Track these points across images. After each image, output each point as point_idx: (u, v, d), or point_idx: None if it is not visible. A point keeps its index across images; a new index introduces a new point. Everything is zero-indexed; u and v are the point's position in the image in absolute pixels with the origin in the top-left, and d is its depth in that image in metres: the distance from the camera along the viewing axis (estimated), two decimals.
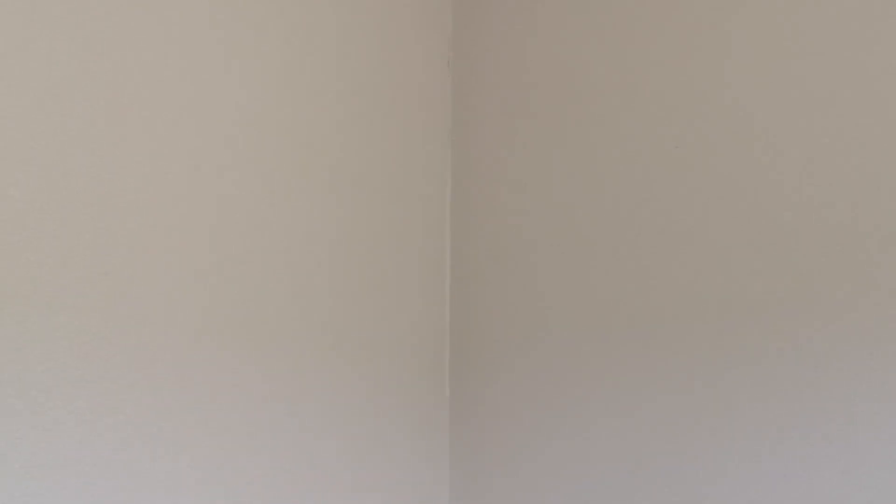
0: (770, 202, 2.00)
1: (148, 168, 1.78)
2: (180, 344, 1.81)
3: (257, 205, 1.96)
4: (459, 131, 2.36)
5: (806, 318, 1.95)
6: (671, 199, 2.10)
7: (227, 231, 1.90)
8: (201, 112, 1.86)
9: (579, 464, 2.17)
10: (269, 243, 1.97)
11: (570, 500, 2.17)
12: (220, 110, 1.90)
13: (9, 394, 1.58)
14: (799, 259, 1.96)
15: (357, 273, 2.15)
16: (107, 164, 1.72)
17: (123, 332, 1.72)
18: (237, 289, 1.91)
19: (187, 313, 1.82)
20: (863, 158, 1.92)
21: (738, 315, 2.01)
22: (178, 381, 1.80)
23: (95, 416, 1.68)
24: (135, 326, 1.74)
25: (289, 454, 1.99)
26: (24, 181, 1.61)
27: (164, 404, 1.78)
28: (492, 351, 2.29)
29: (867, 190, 1.91)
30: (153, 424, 1.76)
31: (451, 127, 2.37)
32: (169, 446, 1.78)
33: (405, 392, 2.24)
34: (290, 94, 2.04)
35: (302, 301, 2.03)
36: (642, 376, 2.10)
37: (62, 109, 1.66)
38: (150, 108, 1.78)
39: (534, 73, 2.29)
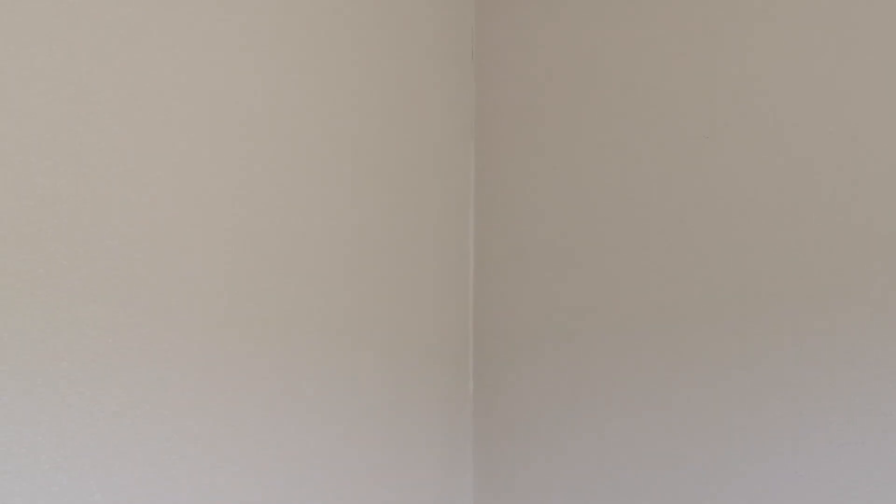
0: (788, 205, 2.00)
1: (172, 165, 1.78)
2: (203, 340, 1.80)
3: (278, 201, 1.95)
4: (483, 124, 2.35)
5: (820, 317, 1.96)
6: (693, 198, 2.09)
7: (249, 227, 1.90)
8: (221, 108, 1.86)
9: (602, 460, 2.16)
10: (291, 240, 1.97)
11: (593, 495, 2.17)
12: (240, 105, 1.89)
13: (37, 385, 1.58)
14: (810, 260, 1.97)
15: (380, 269, 2.14)
16: (133, 161, 1.72)
17: (147, 325, 1.72)
18: (258, 285, 1.90)
19: (210, 309, 1.82)
20: (867, 158, 1.92)
21: (761, 315, 2.01)
22: (201, 376, 1.80)
23: (119, 409, 1.68)
24: (158, 320, 1.74)
25: (311, 450, 1.98)
26: (51, 174, 1.61)
27: (186, 400, 1.78)
28: (515, 348, 2.29)
29: (871, 190, 1.91)
30: (175, 420, 1.76)
31: (475, 120, 2.36)
32: (190, 441, 1.78)
33: (429, 389, 2.24)
34: (311, 89, 2.03)
35: (324, 297, 2.03)
36: (666, 374, 2.10)
37: (88, 107, 1.66)
38: (173, 105, 1.78)
39: (558, 65, 2.28)
